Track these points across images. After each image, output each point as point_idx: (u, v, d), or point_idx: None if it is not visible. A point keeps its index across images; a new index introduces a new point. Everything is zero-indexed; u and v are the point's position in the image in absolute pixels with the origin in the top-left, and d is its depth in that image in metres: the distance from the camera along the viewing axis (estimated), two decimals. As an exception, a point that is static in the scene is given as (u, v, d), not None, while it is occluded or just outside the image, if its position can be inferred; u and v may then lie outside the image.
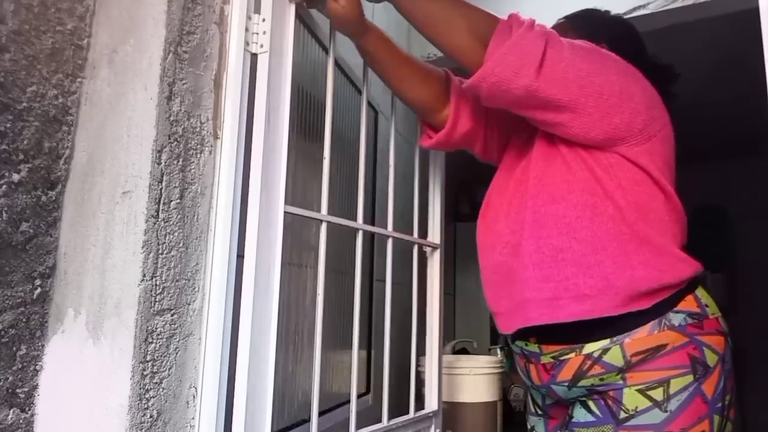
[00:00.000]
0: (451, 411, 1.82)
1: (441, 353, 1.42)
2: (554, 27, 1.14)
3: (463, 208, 3.59)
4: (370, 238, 1.31)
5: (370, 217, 1.49)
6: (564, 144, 1.01)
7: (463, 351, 2.82)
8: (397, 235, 1.28)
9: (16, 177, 0.76)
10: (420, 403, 1.38)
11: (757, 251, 3.77)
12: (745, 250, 3.92)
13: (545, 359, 1.02)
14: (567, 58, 0.93)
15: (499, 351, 2.78)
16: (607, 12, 1.25)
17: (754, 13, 0.87)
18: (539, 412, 1.14)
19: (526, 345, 1.06)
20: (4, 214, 0.74)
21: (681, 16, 1.91)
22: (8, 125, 0.75)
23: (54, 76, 0.82)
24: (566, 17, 1.23)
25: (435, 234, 1.45)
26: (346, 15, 1.06)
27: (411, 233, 1.36)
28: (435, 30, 1.02)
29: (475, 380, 1.82)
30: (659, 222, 0.97)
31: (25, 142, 0.77)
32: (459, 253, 3.43)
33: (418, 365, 1.77)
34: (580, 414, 0.99)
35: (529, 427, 1.18)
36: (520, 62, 0.91)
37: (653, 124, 0.98)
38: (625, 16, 1.92)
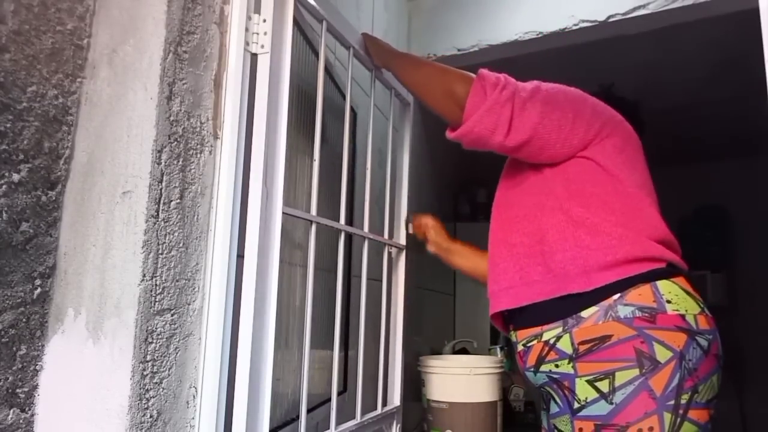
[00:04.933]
0: (451, 411, 1.82)
1: (404, 351, 1.49)
2: None
3: (463, 208, 3.59)
4: (348, 236, 1.34)
5: (349, 217, 1.52)
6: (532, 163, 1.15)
7: (463, 351, 2.82)
8: (371, 236, 1.31)
9: (16, 177, 0.76)
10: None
11: (757, 251, 3.77)
12: (745, 250, 3.92)
13: (519, 347, 1.12)
14: (529, 107, 1.07)
15: (499, 351, 2.78)
16: None
17: (754, 13, 0.87)
18: (544, 406, 1.20)
19: (510, 336, 1.17)
20: (4, 214, 0.74)
21: (681, 16, 1.92)
22: (8, 125, 0.75)
23: (54, 76, 0.82)
24: None
25: (401, 236, 1.51)
26: (438, 246, 1.46)
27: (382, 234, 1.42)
28: (420, 94, 1.23)
29: (475, 380, 1.82)
30: (601, 205, 1.06)
31: (25, 142, 0.77)
32: (459, 253, 3.42)
33: (417, 365, 1.77)
34: (552, 406, 1.07)
35: (540, 421, 1.24)
36: (494, 124, 1.06)
37: (605, 127, 1.11)
38: (625, 16, 1.92)
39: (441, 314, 3.15)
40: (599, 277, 1.00)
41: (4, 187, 0.74)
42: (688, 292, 1.01)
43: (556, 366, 1.03)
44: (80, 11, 0.87)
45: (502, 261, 1.13)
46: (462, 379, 1.81)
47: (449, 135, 1.15)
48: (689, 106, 3.10)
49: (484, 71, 1.11)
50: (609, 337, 0.96)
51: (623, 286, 0.99)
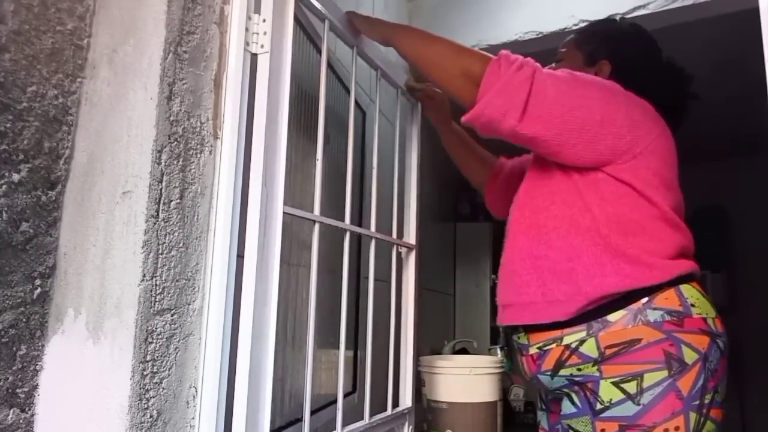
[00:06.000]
0: (451, 411, 1.82)
1: (416, 351, 1.47)
2: (564, 45, 1.25)
3: (463, 208, 3.58)
4: (357, 237, 1.32)
5: (357, 217, 1.51)
6: (555, 161, 1.08)
7: (463, 351, 2.82)
8: (378, 235, 1.30)
9: (16, 177, 0.76)
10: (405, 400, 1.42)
11: (757, 251, 3.77)
12: (745, 250, 3.92)
13: (532, 350, 1.09)
14: (551, 96, 0.99)
15: (499, 351, 2.78)
16: (614, 22, 1.29)
17: (754, 13, 0.87)
18: (543, 407, 1.20)
19: (519, 338, 1.13)
20: (4, 214, 0.74)
21: (681, 16, 1.92)
22: (8, 125, 0.75)
23: (54, 76, 0.82)
24: (576, 33, 1.28)
25: (411, 235, 1.49)
26: (435, 112, 1.44)
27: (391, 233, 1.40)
28: (431, 72, 1.12)
29: (475, 380, 1.82)
30: (640, 231, 1.01)
31: (25, 142, 0.77)
32: (459, 253, 3.43)
33: (417, 365, 1.77)
34: (566, 406, 1.05)
35: (537, 421, 1.23)
36: (506, 106, 0.98)
37: (638, 143, 1.03)
38: (625, 17, 1.92)
39: (441, 314, 3.15)
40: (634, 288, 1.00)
41: (4, 187, 0.74)
42: (705, 297, 1.03)
43: (579, 369, 1.01)
44: (80, 11, 0.87)
45: (526, 273, 1.07)
46: (462, 379, 1.81)
47: (464, 119, 1.06)
48: (689, 106, 3.09)
49: (505, 51, 1.04)
50: (638, 340, 0.96)
51: (650, 290, 0.99)
